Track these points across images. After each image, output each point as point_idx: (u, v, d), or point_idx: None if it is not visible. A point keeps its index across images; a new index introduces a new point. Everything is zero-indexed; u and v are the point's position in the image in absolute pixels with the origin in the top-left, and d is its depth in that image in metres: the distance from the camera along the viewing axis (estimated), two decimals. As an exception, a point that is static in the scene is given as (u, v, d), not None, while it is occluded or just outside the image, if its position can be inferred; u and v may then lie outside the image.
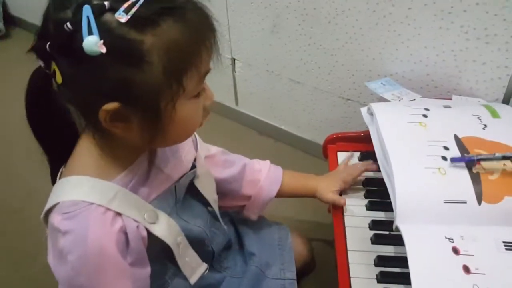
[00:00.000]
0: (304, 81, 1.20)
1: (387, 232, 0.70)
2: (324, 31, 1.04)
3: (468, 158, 0.64)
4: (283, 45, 1.16)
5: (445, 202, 0.61)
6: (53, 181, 0.58)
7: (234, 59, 1.33)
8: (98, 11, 0.42)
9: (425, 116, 0.73)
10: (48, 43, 0.44)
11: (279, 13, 1.10)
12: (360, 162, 0.84)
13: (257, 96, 1.38)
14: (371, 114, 0.78)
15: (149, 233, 0.55)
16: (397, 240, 0.63)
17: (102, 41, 0.41)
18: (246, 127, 1.48)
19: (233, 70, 1.36)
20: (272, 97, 1.33)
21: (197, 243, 0.66)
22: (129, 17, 0.42)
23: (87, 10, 0.41)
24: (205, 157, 0.74)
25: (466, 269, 0.56)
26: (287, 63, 1.19)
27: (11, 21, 2.15)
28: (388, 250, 0.69)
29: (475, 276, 0.55)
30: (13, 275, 1.09)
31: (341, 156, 0.88)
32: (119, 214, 0.52)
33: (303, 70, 1.17)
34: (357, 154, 0.87)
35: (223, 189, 0.78)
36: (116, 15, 0.42)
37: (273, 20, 1.13)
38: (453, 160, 0.64)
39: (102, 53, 0.42)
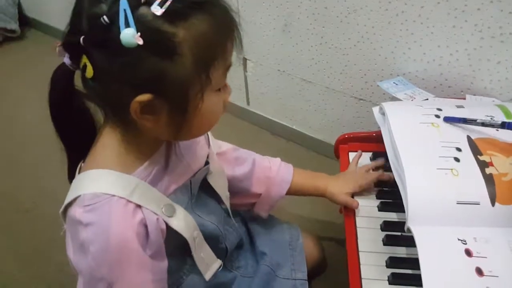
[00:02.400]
0: (316, 80, 1.19)
1: (399, 233, 0.70)
2: (336, 30, 1.04)
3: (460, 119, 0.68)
4: (295, 44, 1.16)
5: (457, 203, 0.61)
6: (71, 177, 0.59)
7: (246, 59, 1.33)
8: (134, 5, 0.43)
9: (437, 116, 0.72)
10: (83, 37, 0.45)
11: (290, 13, 1.10)
12: (373, 164, 0.83)
13: (268, 96, 1.38)
14: (383, 114, 0.78)
15: (167, 227, 0.56)
16: (410, 242, 0.62)
17: (138, 34, 0.43)
18: (258, 127, 1.48)
19: (245, 70, 1.36)
20: (284, 97, 1.33)
21: (212, 240, 0.66)
22: (163, 10, 0.43)
23: (123, 4, 0.43)
24: (216, 154, 0.75)
25: (479, 271, 0.55)
26: (299, 62, 1.19)
27: (26, 22, 2.17)
28: (400, 251, 0.68)
29: (488, 279, 0.54)
30: (24, 273, 1.10)
31: (353, 156, 0.88)
32: (139, 206, 0.53)
33: (314, 69, 1.17)
34: (369, 154, 0.86)
35: (234, 187, 0.78)
36: (152, 8, 0.43)
37: (285, 20, 1.13)
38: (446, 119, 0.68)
39: (138, 45, 0.43)
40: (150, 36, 0.43)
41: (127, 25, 0.42)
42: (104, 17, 0.43)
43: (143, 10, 0.43)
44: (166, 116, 0.49)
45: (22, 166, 1.42)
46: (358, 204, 0.76)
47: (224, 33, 0.49)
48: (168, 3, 0.43)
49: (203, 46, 0.46)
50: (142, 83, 0.46)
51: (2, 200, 1.30)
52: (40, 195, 1.28)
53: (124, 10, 0.42)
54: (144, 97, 0.46)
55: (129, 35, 0.42)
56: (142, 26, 0.43)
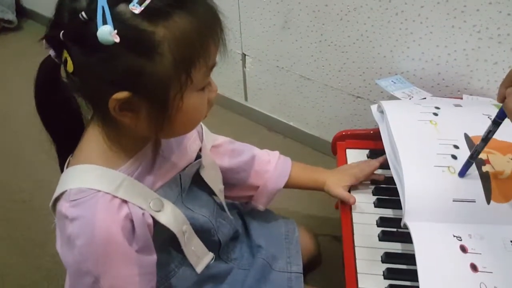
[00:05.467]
0: (314, 77, 1.20)
1: (394, 229, 0.71)
2: (336, 28, 1.04)
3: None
4: (294, 41, 1.16)
5: (454, 201, 0.62)
6: (62, 170, 0.59)
7: (245, 55, 1.33)
8: (113, 2, 0.43)
9: (435, 114, 0.73)
10: (62, 31, 0.45)
11: (290, 9, 1.10)
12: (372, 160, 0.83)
13: (266, 92, 1.38)
14: (381, 112, 0.78)
15: (155, 221, 0.56)
16: (405, 238, 0.64)
17: (116, 31, 0.42)
18: (255, 123, 1.49)
19: (243, 65, 1.36)
20: (282, 93, 1.33)
21: (203, 233, 0.67)
22: (142, 8, 0.43)
23: (102, 0, 0.42)
24: (212, 147, 0.75)
25: (474, 267, 0.56)
26: (298, 59, 1.20)
27: (23, 13, 2.16)
28: (396, 247, 0.69)
29: (482, 275, 0.55)
30: (21, 263, 1.10)
31: (350, 153, 0.88)
32: (125, 201, 0.53)
33: (313, 66, 1.17)
34: (366, 151, 0.87)
35: (231, 179, 0.79)
36: (130, 6, 0.43)
37: (285, 16, 1.13)
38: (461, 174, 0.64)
39: (115, 43, 0.43)
40: (127, 34, 0.43)
41: (104, 22, 0.42)
42: (83, 13, 0.43)
43: (121, 7, 0.43)
44: (146, 113, 0.49)
45: (18, 157, 1.41)
46: (355, 200, 0.76)
47: (206, 33, 0.48)
48: (147, 2, 0.43)
49: (184, 45, 0.46)
50: (120, 80, 0.46)
51: (-1, 190, 1.30)
52: (37, 187, 1.27)
53: (102, 7, 0.42)
54: (122, 94, 0.46)
55: (106, 32, 0.42)
56: (120, 23, 0.43)
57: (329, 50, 1.10)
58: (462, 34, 0.86)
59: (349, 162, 0.86)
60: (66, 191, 0.52)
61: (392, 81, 0.94)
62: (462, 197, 0.62)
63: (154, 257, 0.58)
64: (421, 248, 0.58)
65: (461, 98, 0.88)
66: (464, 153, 0.64)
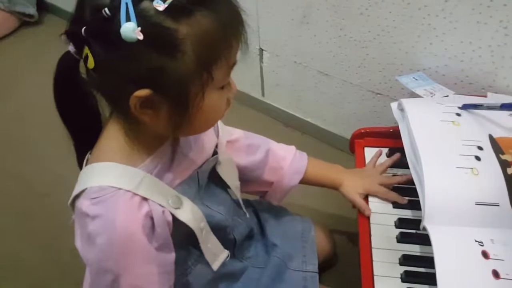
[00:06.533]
0: (333, 73, 1.18)
1: (413, 231, 0.69)
2: (356, 23, 1.02)
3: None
4: (313, 36, 1.14)
5: (476, 204, 0.60)
6: (80, 167, 0.60)
7: (262, 50, 1.32)
8: None
9: (458, 114, 0.70)
10: (84, 27, 0.45)
11: (309, 3, 1.08)
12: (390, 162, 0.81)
13: (283, 87, 1.37)
14: (402, 110, 0.76)
15: (174, 218, 0.56)
16: (424, 240, 0.62)
17: (139, 28, 0.42)
18: (272, 118, 1.48)
19: (261, 60, 1.35)
20: (299, 89, 1.32)
21: (219, 230, 0.66)
22: (166, 5, 0.43)
23: None
24: (228, 142, 0.75)
25: (496, 274, 0.54)
26: (316, 54, 1.18)
27: (44, 7, 2.18)
28: (414, 249, 0.68)
29: (505, 282, 0.54)
30: (41, 257, 1.12)
31: (368, 151, 0.87)
32: (145, 199, 0.53)
33: (332, 62, 1.15)
34: (386, 150, 0.85)
35: (246, 176, 0.78)
36: (154, 3, 0.43)
37: (303, 11, 1.11)
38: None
39: (138, 40, 0.42)
40: (151, 31, 0.43)
41: (128, 19, 0.42)
42: (106, 9, 0.43)
43: (145, 4, 0.43)
44: (166, 112, 0.49)
45: (38, 151, 1.43)
46: (370, 212, 0.74)
47: (229, 31, 0.48)
48: None
49: (206, 43, 0.46)
50: (142, 78, 0.46)
51: (19, 184, 1.32)
52: (57, 181, 1.29)
53: (126, 3, 0.42)
54: (143, 92, 0.46)
55: (130, 30, 0.42)
56: (143, 20, 0.42)
57: (348, 46, 1.08)
58: (488, 30, 0.83)
59: (367, 160, 0.85)
60: (86, 189, 0.52)
61: (413, 77, 0.91)
62: (485, 200, 0.60)
63: (172, 255, 0.58)
64: (440, 252, 0.57)
65: (486, 96, 0.85)
66: (489, 155, 0.62)
